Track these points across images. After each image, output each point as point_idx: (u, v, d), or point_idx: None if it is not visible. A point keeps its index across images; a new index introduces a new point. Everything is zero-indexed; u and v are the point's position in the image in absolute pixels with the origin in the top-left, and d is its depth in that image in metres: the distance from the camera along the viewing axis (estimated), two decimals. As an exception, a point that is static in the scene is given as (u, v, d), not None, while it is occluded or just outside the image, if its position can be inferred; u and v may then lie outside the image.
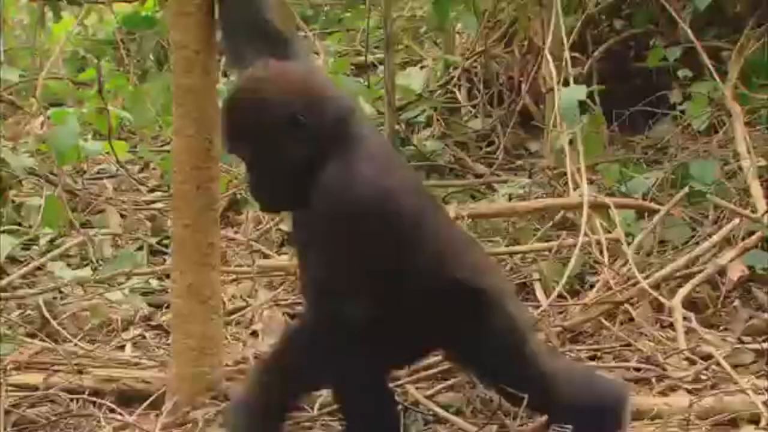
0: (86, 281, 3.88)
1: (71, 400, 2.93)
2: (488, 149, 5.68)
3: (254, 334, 3.58)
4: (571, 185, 3.80)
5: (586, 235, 3.56)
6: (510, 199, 4.55)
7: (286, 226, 4.70)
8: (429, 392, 2.85)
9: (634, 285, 3.36)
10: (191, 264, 2.80)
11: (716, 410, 2.70)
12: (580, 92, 3.87)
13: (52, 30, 7.80)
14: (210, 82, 2.81)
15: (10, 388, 2.94)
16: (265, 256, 4.33)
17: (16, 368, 3.10)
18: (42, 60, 6.43)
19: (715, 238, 3.56)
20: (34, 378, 3.04)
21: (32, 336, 3.42)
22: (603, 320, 3.34)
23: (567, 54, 4.03)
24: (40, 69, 5.87)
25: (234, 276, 4.04)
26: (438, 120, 5.78)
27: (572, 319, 3.22)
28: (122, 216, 4.78)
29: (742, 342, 3.20)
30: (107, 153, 5.16)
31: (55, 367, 3.08)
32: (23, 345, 3.32)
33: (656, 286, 3.41)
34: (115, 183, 5.34)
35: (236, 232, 4.74)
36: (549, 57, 4.09)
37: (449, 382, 2.92)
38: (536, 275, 3.91)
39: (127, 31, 7.50)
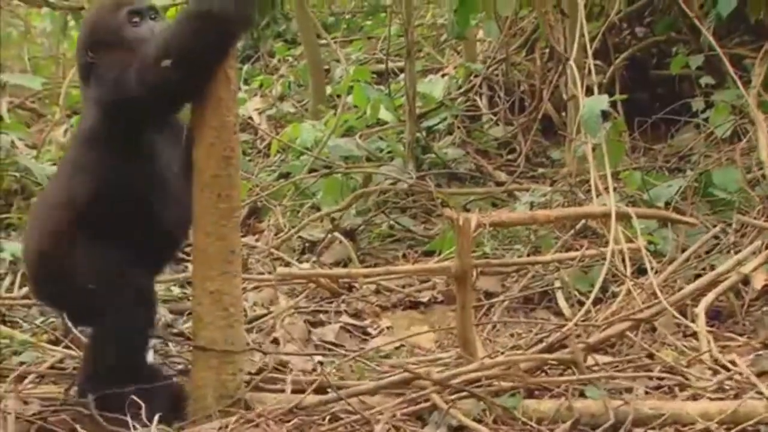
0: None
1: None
2: (509, 157, 5.67)
3: (275, 341, 3.58)
4: (594, 193, 3.78)
5: (608, 244, 3.53)
6: (531, 207, 4.53)
7: (306, 234, 4.71)
8: (452, 397, 2.83)
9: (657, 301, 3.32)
10: (213, 272, 2.80)
11: (740, 418, 2.67)
12: (602, 102, 3.86)
13: (74, 38, 7.85)
14: (231, 91, 2.81)
15: (32, 396, 2.95)
16: (286, 264, 4.34)
17: (39, 376, 3.11)
18: (65, 68, 6.46)
19: (739, 256, 3.52)
20: (57, 386, 3.04)
21: (55, 343, 3.43)
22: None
23: (590, 62, 4.01)
24: (63, 77, 5.90)
25: (255, 283, 4.05)
26: (459, 128, 5.77)
27: (596, 335, 3.20)
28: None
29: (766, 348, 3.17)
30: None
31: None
32: (46, 352, 3.33)
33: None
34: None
35: (257, 240, 4.75)
36: (573, 65, 4.07)
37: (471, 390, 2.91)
38: (558, 283, 3.90)
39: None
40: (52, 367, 3.21)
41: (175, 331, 3.66)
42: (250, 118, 6.54)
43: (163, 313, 3.79)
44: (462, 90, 6.10)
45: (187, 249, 4.40)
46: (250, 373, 3.01)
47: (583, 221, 4.19)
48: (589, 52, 4.16)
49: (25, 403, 2.91)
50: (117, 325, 2.79)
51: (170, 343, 3.50)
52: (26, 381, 3.06)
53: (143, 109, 2.74)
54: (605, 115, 3.96)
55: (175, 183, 2.88)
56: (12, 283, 4.00)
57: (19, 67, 6.87)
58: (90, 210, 2.79)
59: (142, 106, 2.72)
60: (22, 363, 3.23)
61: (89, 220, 2.78)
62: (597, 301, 3.60)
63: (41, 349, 3.35)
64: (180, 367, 3.23)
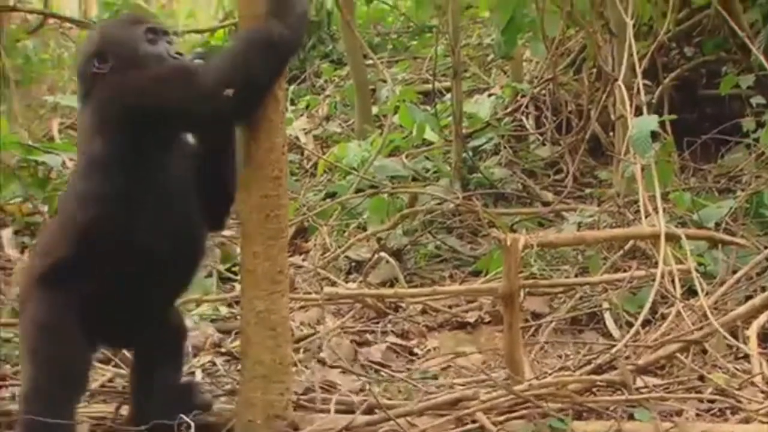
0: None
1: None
2: (556, 177, 5.65)
3: (322, 361, 3.59)
4: (643, 214, 3.75)
5: (657, 265, 3.50)
6: (579, 228, 4.51)
7: (353, 254, 4.72)
8: (500, 419, 2.82)
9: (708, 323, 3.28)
10: (261, 291, 2.81)
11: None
12: (652, 122, 3.84)
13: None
14: (279, 112, 2.83)
15: (84, 414, 2.97)
16: (333, 284, 4.34)
17: (90, 394, 3.13)
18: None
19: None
20: (107, 404, 3.06)
21: (105, 362, 3.46)
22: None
23: (639, 82, 3.99)
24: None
25: (302, 303, 4.06)
26: (505, 147, 5.76)
27: (646, 357, 3.17)
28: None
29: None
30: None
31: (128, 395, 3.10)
32: (96, 371, 3.36)
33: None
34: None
35: (304, 260, 4.76)
36: (621, 85, 4.05)
37: (518, 413, 2.89)
38: (606, 304, 3.87)
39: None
40: (102, 386, 3.23)
41: (222, 350, 3.68)
42: (297, 138, 6.57)
43: (211, 332, 3.81)
44: (508, 110, 6.09)
45: (235, 268, 4.47)
46: (297, 393, 3.01)
47: (632, 242, 4.16)
48: (638, 72, 4.14)
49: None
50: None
51: (218, 363, 3.51)
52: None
53: (187, 127, 2.74)
54: (654, 136, 3.93)
55: (181, 208, 2.75)
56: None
57: (70, 88, 6.96)
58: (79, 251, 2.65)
59: (189, 125, 2.72)
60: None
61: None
62: (646, 323, 3.56)
63: (92, 368, 3.38)
64: (228, 386, 3.24)
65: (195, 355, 3.60)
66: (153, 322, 2.82)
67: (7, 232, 4.76)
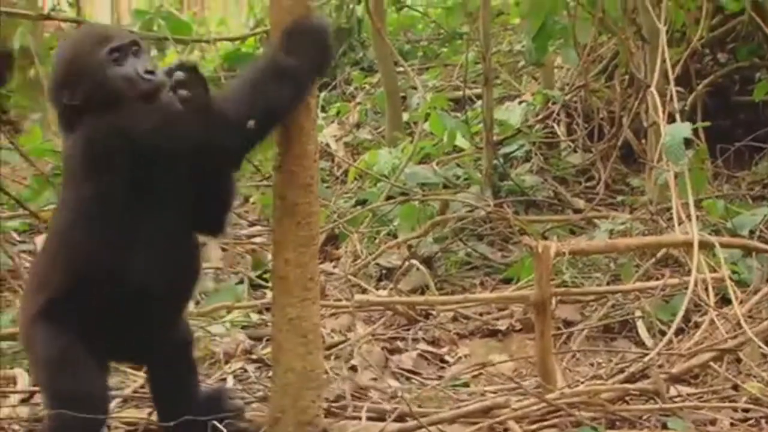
0: (189, 314, 3.93)
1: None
2: (588, 184, 5.62)
3: (353, 368, 3.58)
4: (676, 222, 3.73)
5: (690, 273, 3.48)
6: (611, 235, 4.49)
7: (383, 261, 4.72)
8: (532, 427, 2.81)
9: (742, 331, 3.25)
10: (292, 298, 2.82)
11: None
12: (685, 129, 3.81)
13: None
14: (310, 119, 2.83)
15: (115, 421, 2.99)
16: (363, 291, 4.34)
17: (122, 401, 3.15)
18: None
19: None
20: (139, 410, 3.08)
21: (137, 368, 3.47)
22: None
23: (672, 88, 3.97)
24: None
25: (332, 310, 4.06)
26: (536, 154, 5.74)
27: (679, 365, 3.15)
28: (223, 250, 4.85)
29: None
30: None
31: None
32: (129, 377, 3.38)
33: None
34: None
35: (334, 267, 4.77)
36: (654, 92, 4.03)
37: (550, 421, 2.88)
38: (638, 312, 3.85)
39: (229, 68, 7.65)
40: (134, 392, 3.25)
41: (253, 357, 3.68)
42: (328, 145, 6.58)
43: (242, 339, 3.82)
44: (540, 117, 6.07)
45: (266, 275, 4.49)
46: (328, 400, 3.01)
47: (665, 250, 4.13)
48: (671, 79, 4.12)
49: (109, 428, 2.95)
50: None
51: (249, 370, 3.52)
52: (111, 405, 3.10)
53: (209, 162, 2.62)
54: (687, 143, 3.91)
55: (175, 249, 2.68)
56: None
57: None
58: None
59: (213, 160, 2.60)
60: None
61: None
62: (679, 331, 3.54)
63: (124, 373, 3.40)
64: (259, 393, 3.24)
65: (226, 362, 3.62)
66: (157, 340, 2.78)
67: (42, 239, 4.80)
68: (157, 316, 2.70)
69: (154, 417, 2.97)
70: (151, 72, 2.59)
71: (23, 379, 3.26)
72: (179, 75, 2.50)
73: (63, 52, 2.70)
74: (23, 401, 3.15)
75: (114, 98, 2.55)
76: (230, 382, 3.43)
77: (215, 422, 2.75)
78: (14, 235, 4.95)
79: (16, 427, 3.00)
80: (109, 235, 2.57)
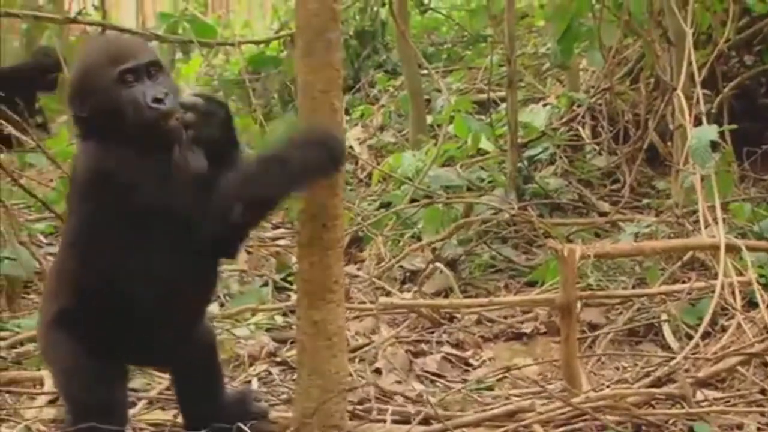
0: (214, 317, 3.95)
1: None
2: (613, 187, 5.60)
3: (377, 371, 3.58)
4: (702, 225, 3.70)
5: (717, 277, 3.46)
6: (636, 238, 4.46)
7: (407, 264, 4.72)
8: (557, 431, 2.80)
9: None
10: (317, 301, 2.82)
11: None
12: (711, 132, 3.79)
13: (181, 70, 8.05)
14: (336, 122, 2.83)
15: (141, 423, 3.00)
16: (387, 294, 4.34)
17: (148, 403, 3.16)
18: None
19: None
20: (165, 411, 3.09)
21: (163, 370, 3.49)
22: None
23: (699, 91, 3.95)
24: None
25: (357, 313, 4.06)
26: (561, 157, 5.72)
27: (706, 369, 3.13)
28: (248, 253, 4.86)
29: None
30: (234, 190, 5.25)
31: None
32: (154, 379, 3.39)
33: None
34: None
35: (358, 269, 4.77)
36: (680, 94, 4.01)
37: (575, 425, 2.87)
38: (664, 316, 3.83)
39: (253, 71, 7.69)
40: (160, 394, 3.26)
41: (278, 359, 3.69)
42: (351, 147, 6.59)
43: (266, 342, 3.82)
44: (564, 119, 6.05)
45: (290, 278, 4.49)
46: (352, 403, 3.01)
47: (691, 253, 4.11)
48: (697, 81, 4.09)
49: (135, 430, 2.96)
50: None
51: (274, 372, 3.52)
52: (137, 407, 3.12)
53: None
54: (714, 145, 3.89)
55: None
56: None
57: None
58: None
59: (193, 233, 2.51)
60: (132, 390, 3.29)
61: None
62: (705, 335, 3.52)
63: (150, 375, 3.41)
64: (284, 396, 3.25)
65: (251, 364, 3.62)
66: (175, 345, 2.75)
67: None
68: (168, 325, 2.67)
69: (180, 419, 2.98)
70: (160, 100, 2.49)
71: (50, 381, 3.27)
72: (189, 117, 2.46)
73: (80, 63, 2.64)
74: (50, 402, 3.17)
75: (119, 121, 2.50)
76: (255, 384, 3.44)
77: (240, 425, 2.75)
78: (41, 237, 4.98)
79: (42, 428, 3.02)
80: (106, 252, 2.54)
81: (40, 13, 5.53)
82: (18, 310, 4.05)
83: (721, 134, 4.24)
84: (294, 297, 4.05)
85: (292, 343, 3.68)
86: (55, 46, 5.87)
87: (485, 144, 5.72)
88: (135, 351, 2.69)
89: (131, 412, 3.02)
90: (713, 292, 3.46)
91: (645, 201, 5.33)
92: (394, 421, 2.90)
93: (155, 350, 2.73)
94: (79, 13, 5.27)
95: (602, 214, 5.23)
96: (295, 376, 3.06)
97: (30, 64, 6.96)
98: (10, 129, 4.97)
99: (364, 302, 4.20)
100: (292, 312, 3.86)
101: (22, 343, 3.67)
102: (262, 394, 3.24)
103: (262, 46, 7.86)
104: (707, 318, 3.43)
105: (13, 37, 7.82)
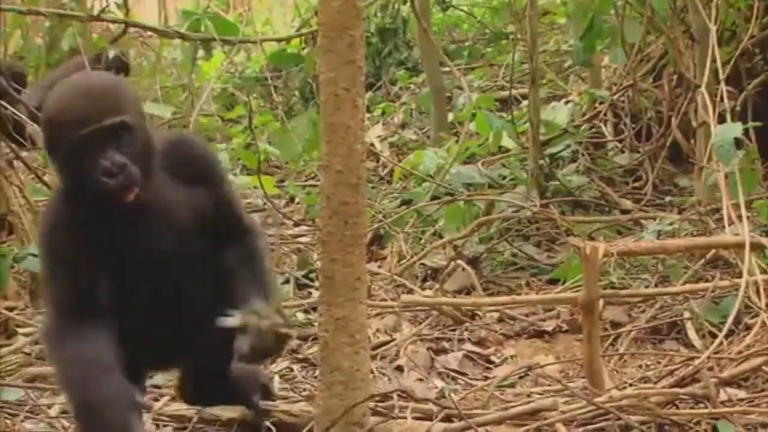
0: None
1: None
2: (635, 185, 5.57)
3: (399, 368, 3.58)
4: (726, 223, 3.68)
5: (741, 275, 3.43)
6: (659, 236, 4.44)
7: (429, 261, 4.71)
8: (579, 430, 2.78)
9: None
10: (339, 298, 2.82)
11: None
12: (735, 129, 3.77)
13: (202, 68, 8.07)
14: (358, 119, 2.83)
15: (165, 418, 3.01)
16: (409, 291, 4.34)
17: (172, 398, 3.17)
18: (194, 97, 6.64)
19: None
20: (190, 408, 3.09)
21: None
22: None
23: (722, 88, 3.92)
24: (192, 106, 6.05)
25: (378, 310, 4.06)
26: (583, 155, 5.70)
27: (730, 369, 3.11)
28: (270, 250, 4.86)
29: None
30: (254, 187, 5.27)
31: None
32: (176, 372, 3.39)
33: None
34: (261, 217, 5.45)
35: (380, 267, 4.76)
36: (704, 91, 3.99)
37: (598, 425, 2.86)
38: (687, 314, 3.81)
39: (274, 68, 7.69)
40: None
41: (300, 356, 3.69)
42: (373, 145, 6.59)
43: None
44: (586, 117, 6.02)
45: (312, 275, 4.50)
46: (374, 400, 3.00)
47: (714, 251, 4.08)
48: (721, 78, 4.07)
49: (157, 426, 2.97)
50: None
51: (295, 369, 3.53)
52: (159, 403, 3.13)
53: None
54: (738, 143, 3.87)
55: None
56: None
57: (150, 96, 7.08)
58: None
59: None
60: (155, 386, 3.31)
61: None
62: (729, 334, 3.49)
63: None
64: (305, 393, 3.25)
65: (272, 361, 3.63)
66: (188, 345, 2.71)
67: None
68: (176, 329, 2.62)
69: (203, 412, 2.98)
70: (113, 174, 2.35)
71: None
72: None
73: (46, 113, 2.45)
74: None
75: (75, 183, 2.43)
76: (276, 381, 3.45)
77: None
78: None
79: (67, 423, 3.03)
80: None
81: (63, 11, 5.55)
82: (41, 306, 4.07)
83: (745, 131, 4.21)
84: (315, 294, 4.06)
85: (313, 340, 3.68)
86: (80, 44, 5.90)
87: (507, 141, 5.70)
88: (151, 355, 2.65)
89: (156, 405, 3.04)
90: (737, 290, 3.44)
91: (668, 198, 5.30)
92: (416, 419, 2.90)
93: (170, 352, 2.72)
94: (102, 10, 5.28)
95: (624, 211, 5.21)
96: (316, 373, 3.06)
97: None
98: (34, 126, 4.99)
99: (385, 299, 4.20)
100: (314, 309, 3.87)
101: (45, 339, 3.68)
102: (284, 391, 3.25)
103: (283, 43, 7.86)
104: (731, 317, 3.41)
105: (36, 35, 7.86)
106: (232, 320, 2.48)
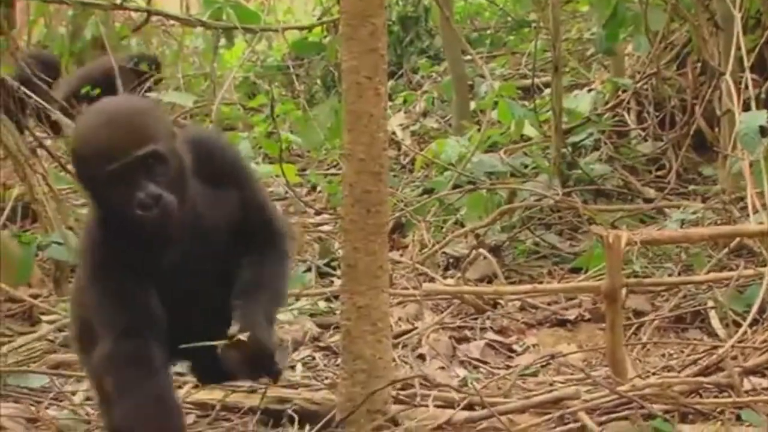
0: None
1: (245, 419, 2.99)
2: (658, 173, 5.54)
3: (421, 357, 3.58)
4: (750, 211, 3.66)
5: (765, 264, 3.41)
6: (682, 225, 4.42)
7: (450, 250, 4.71)
8: (602, 419, 2.78)
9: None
10: (361, 287, 2.82)
11: None
12: (761, 117, 3.74)
13: (223, 57, 8.08)
14: (380, 107, 2.83)
15: (189, 406, 3.02)
16: (431, 280, 4.34)
17: (194, 386, 3.18)
18: (216, 86, 6.64)
19: None
20: (213, 396, 3.10)
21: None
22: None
23: (747, 76, 3.89)
24: (214, 95, 6.06)
25: (400, 299, 4.06)
26: (606, 143, 5.67)
27: (754, 358, 3.09)
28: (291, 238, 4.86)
29: None
30: (276, 176, 5.29)
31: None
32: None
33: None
34: (283, 206, 5.45)
35: (401, 255, 4.76)
36: (729, 79, 3.96)
37: (621, 413, 2.85)
38: (711, 303, 3.79)
39: (295, 57, 7.69)
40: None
41: (321, 345, 3.70)
42: (394, 133, 6.58)
43: (309, 327, 3.84)
44: (609, 105, 5.99)
45: (333, 263, 4.50)
46: (396, 388, 3.01)
47: (738, 240, 4.06)
48: (746, 66, 4.03)
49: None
50: None
51: (318, 357, 3.54)
52: (182, 391, 3.14)
53: None
54: (763, 131, 3.84)
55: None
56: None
57: (172, 84, 7.09)
58: None
59: None
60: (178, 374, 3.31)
61: None
62: (753, 323, 3.47)
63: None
64: (328, 381, 3.26)
65: (294, 349, 3.64)
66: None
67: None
68: (199, 329, 2.50)
69: (229, 399, 2.99)
70: (148, 206, 2.24)
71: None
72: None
73: (74, 142, 2.36)
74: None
75: (109, 213, 2.34)
76: (299, 369, 3.45)
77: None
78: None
79: (91, 411, 3.05)
80: None
81: (86, 0, 5.56)
82: (65, 293, 4.09)
83: (771, 119, 4.18)
84: (337, 282, 4.07)
85: (335, 328, 3.69)
86: (102, 33, 5.93)
87: (529, 130, 5.68)
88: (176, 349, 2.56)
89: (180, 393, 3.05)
90: (762, 279, 3.42)
91: (691, 187, 5.27)
92: (438, 407, 2.90)
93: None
94: (125, -1, 5.30)
95: (648, 200, 5.18)
96: (338, 362, 3.07)
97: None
98: (58, 115, 5.01)
99: (407, 288, 4.20)
100: (336, 297, 3.87)
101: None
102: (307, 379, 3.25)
103: (305, 31, 7.86)
104: (756, 306, 3.39)
105: (60, 24, 7.89)
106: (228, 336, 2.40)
